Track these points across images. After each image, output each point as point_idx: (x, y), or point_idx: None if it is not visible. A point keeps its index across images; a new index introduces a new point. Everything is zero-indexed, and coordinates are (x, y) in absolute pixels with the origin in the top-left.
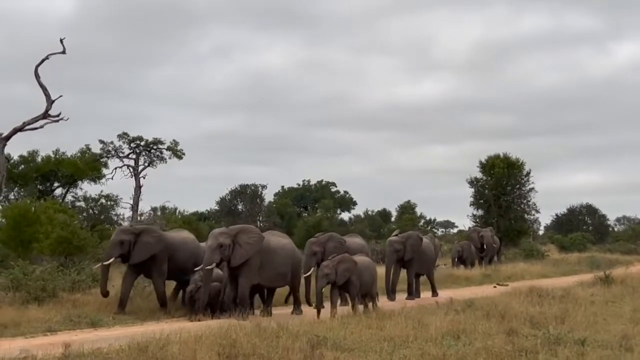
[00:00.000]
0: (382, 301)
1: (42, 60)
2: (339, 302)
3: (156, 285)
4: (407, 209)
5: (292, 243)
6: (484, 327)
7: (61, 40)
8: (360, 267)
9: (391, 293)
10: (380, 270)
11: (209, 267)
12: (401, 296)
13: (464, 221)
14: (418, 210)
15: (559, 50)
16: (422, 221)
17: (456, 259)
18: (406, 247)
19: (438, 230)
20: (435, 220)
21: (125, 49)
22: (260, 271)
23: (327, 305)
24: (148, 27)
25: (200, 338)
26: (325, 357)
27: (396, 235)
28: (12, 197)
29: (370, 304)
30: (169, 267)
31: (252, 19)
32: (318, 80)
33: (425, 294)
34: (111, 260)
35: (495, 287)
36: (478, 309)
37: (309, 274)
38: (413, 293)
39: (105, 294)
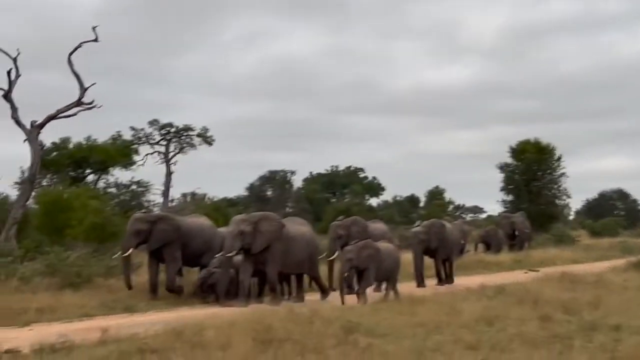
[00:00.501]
0: (412, 288)
1: (75, 48)
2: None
3: (168, 270)
4: (435, 194)
5: (311, 231)
6: (517, 313)
7: (93, 28)
8: (383, 254)
9: (421, 281)
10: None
11: (229, 254)
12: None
13: (492, 206)
14: (447, 196)
15: (588, 33)
16: (451, 207)
17: (479, 244)
18: (431, 236)
19: (467, 215)
20: (464, 205)
21: (154, 36)
22: (281, 258)
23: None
24: (176, 15)
25: (235, 323)
26: (359, 342)
27: (418, 225)
28: (45, 184)
29: (392, 291)
30: (185, 253)
31: (278, 6)
32: (344, 66)
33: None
34: (130, 251)
35: (526, 272)
36: (510, 295)
37: (334, 257)
38: (444, 279)
39: (129, 286)
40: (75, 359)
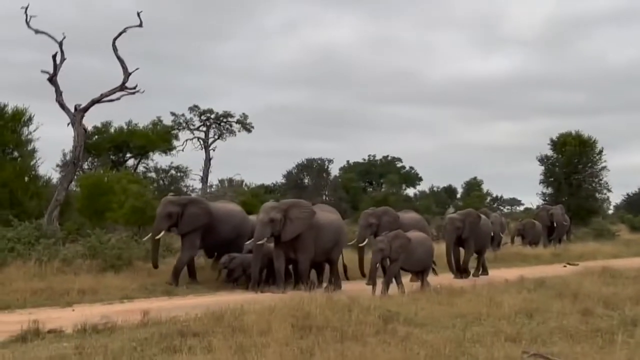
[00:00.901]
0: (447, 278)
1: (120, 33)
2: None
3: (182, 254)
4: (473, 185)
5: (340, 219)
6: (558, 307)
7: (138, 14)
8: (415, 244)
9: (457, 271)
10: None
11: (260, 241)
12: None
13: (530, 199)
14: (484, 187)
15: (634, 24)
16: (489, 198)
17: (515, 237)
18: (465, 225)
19: (504, 207)
20: (502, 197)
21: (197, 23)
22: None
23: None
24: (220, 2)
25: (274, 309)
26: (398, 331)
27: (454, 212)
28: (87, 167)
29: (423, 280)
30: (213, 239)
31: None
32: (385, 56)
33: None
34: (162, 233)
35: (565, 266)
36: (550, 288)
37: (364, 244)
38: (466, 272)
39: (156, 265)
40: (116, 339)
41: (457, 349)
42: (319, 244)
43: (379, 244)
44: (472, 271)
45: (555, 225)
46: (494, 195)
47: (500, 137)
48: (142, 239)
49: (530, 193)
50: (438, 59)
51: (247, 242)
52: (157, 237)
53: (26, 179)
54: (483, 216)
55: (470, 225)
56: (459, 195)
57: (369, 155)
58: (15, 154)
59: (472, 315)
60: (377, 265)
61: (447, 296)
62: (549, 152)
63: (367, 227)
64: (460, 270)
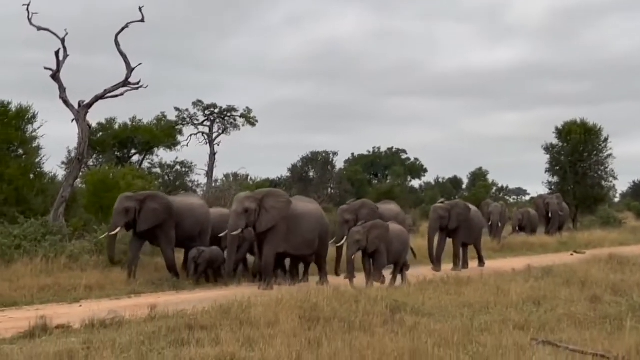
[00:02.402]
0: (427, 271)
1: (122, 29)
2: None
3: (165, 253)
4: (478, 176)
5: (320, 209)
6: (566, 294)
7: (140, 9)
8: (392, 235)
9: (437, 263)
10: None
11: (234, 232)
12: (446, 266)
13: (537, 188)
14: (490, 178)
15: (639, 14)
16: (494, 188)
17: (517, 227)
18: (451, 216)
19: (510, 197)
20: (507, 187)
21: (200, 19)
22: (286, 238)
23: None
24: None
25: (282, 301)
26: (406, 321)
27: (442, 202)
28: (92, 164)
29: (400, 274)
30: (176, 234)
31: None
32: (389, 48)
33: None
34: (117, 230)
35: (572, 254)
36: (557, 276)
37: (341, 243)
38: (459, 264)
39: (113, 261)
40: (124, 334)
41: (466, 337)
42: (298, 235)
43: (355, 235)
44: (461, 264)
45: (550, 214)
46: (500, 186)
47: (506, 127)
48: (100, 236)
49: (536, 182)
50: (443, 50)
51: (221, 235)
52: (113, 233)
53: (31, 176)
54: (473, 207)
55: (457, 217)
56: (464, 186)
57: (373, 148)
58: (20, 151)
59: (479, 304)
60: (353, 257)
61: (455, 286)
62: (554, 141)
63: (344, 224)
64: (438, 261)
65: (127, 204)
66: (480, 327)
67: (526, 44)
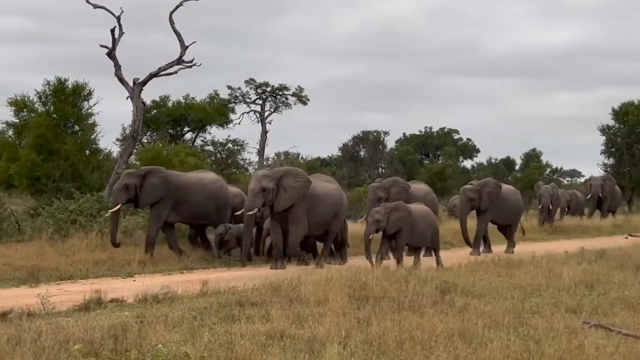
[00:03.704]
0: (465, 254)
1: (176, 7)
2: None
3: (149, 228)
4: (532, 157)
5: (339, 189)
6: (619, 278)
7: None
8: (416, 217)
9: (475, 246)
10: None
11: (250, 212)
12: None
13: (592, 170)
14: (543, 159)
15: None
16: (548, 170)
17: (565, 209)
18: (482, 196)
19: (564, 179)
20: (561, 169)
21: None
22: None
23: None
24: None
25: (331, 280)
26: (456, 302)
27: (471, 184)
28: (146, 141)
29: (435, 257)
30: (185, 210)
31: None
32: (446, 27)
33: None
34: (118, 206)
35: (627, 237)
36: (611, 260)
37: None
38: (479, 246)
39: (114, 243)
40: (176, 309)
41: (516, 319)
42: (315, 215)
43: (375, 215)
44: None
45: (600, 196)
46: (554, 167)
47: (561, 108)
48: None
49: (591, 164)
50: (499, 30)
51: (237, 213)
52: (114, 209)
53: (87, 152)
54: (510, 187)
55: (488, 196)
56: (517, 167)
57: (425, 127)
58: (76, 128)
59: (531, 287)
60: (371, 237)
61: (506, 267)
62: (611, 122)
63: (376, 201)
64: (479, 244)
65: (127, 180)
66: (531, 309)
67: (584, 23)
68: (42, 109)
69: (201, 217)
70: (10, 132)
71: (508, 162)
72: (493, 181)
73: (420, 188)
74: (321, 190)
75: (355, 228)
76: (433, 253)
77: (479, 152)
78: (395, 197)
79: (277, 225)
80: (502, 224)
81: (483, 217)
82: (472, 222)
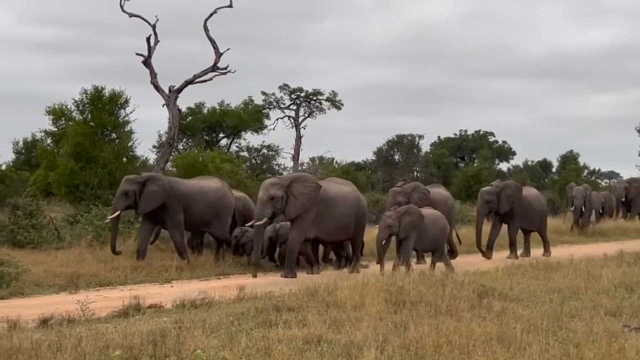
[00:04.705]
0: (477, 258)
1: (211, 14)
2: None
3: (173, 236)
4: (569, 159)
5: (356, 191)
6: None
7: None
8: (427, 221)
9: (488, 250)
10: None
11: (259, 221)
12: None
13: (630, 171)
14: (581, 161)
15: None
16: (586, 172)
17: (599, 211)
18: (500, 198)
19: (602, 181)
20: (599, 170)
21: (287, 2)
22: (318, 223)
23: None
24: None
25: (367, 284)
26: (493, 306)
27: (491, 185)
28: (181, 148)
29: (444, 261)
30: (185, 217)
31: None
32: (480, 30)
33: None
34: (117, 213)
35: None
36: None
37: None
38: (515, 252)
39: (114, 250)
40: (214, 314)
41: (555, 323)
42: (331, 220)
43: (386, 220)
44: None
45: (629, 198)
46: (591, 169)
47: (598, 109)
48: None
49: (630, 166)
50: (533, 31)
51: (247, 225)
52: (113, 216)
53: (124, 159)
54: (533, 190)
55: (507, 199)
56: (554, 169)
57: (460, 130)
58: (113, 135)
59: (569, 290)
60: (383, 242)
61: (544, 271)
62: None
63: (395, 206)
64: (490, 248)
65: (127, 186)
66: (570, 312)
67: (619, 24)
68: (80, 117)
69: (202, 224)
70: (49, 141)
71: (545, 165)
72: (513, 183)
73: (441, 193)
74: (336, 193)
75: None
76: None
77: (515, 154)
78: (417, 203)
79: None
80: (527, 230)
81: (513, 223)
82: (485, 228)
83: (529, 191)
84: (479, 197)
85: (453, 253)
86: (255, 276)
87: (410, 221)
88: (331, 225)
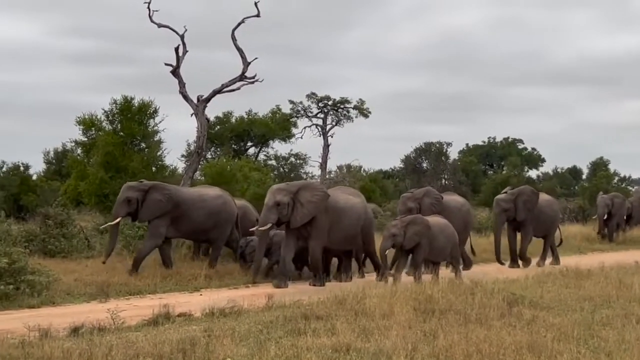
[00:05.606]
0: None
1: (238, 24)
2: (405, 269)
3: (144, 244)
4: (599, 166)
5: (363, 202)
6: None
7: (255, 4)
8: (434, 231)
9: (511, 261)
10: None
11: (264, 227)
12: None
13: None
14: (611, 167)
15: None
16: (616, 178)
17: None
18: (517, 205)
19: (633, 187)
20: (630, 177)
21: (314, 11)
22: (327, 232)
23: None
24: None
25: (396, 293)
26: (524, 314)
27: (505, 192)
28: (210, 156)
29: (454, 270)
30: (185, 227)
31: None
32: (511, 37)
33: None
34: (118, 219)
35: None
36: None
37: None
38: (545, 258)
39: (106, 258)
40: (243, 322)
41: (586, 331)
42: (339, 230)
43: (391, 229)
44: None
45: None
46: (622, 175)
47: (629, 116)
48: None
49: None
50: (562, 38)
51: (252, 229)
52: (113, 223)
53: (153, 169)
54: (546, 196)
55: (524, 205)
56: (584, 176)
57: (489, 138)
58: (143, 145)
59: (600, 298)
60: (386, 252)
61: (574, 279)
62: None
63: (406, 212)
64: (516, 260)
65: (130, 193)
66: (601, 321)
67: None
68: (110, 127)
69: (201, 233)
70: (79, 151)
71: (574, 172)
72: (529, 189)
73: (455, 199)
74: (345, 204)
75: None
76: (452, 267)
77: (544, 161)
78: (428, 208)
79: (292, 240)
80: (536, 236)
81: (526, 230)
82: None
83: (541, 197)
84: (495, 206)
85: (466, 263)
86: (255, 282)
87: (417, 231)
88: (339, 235)
